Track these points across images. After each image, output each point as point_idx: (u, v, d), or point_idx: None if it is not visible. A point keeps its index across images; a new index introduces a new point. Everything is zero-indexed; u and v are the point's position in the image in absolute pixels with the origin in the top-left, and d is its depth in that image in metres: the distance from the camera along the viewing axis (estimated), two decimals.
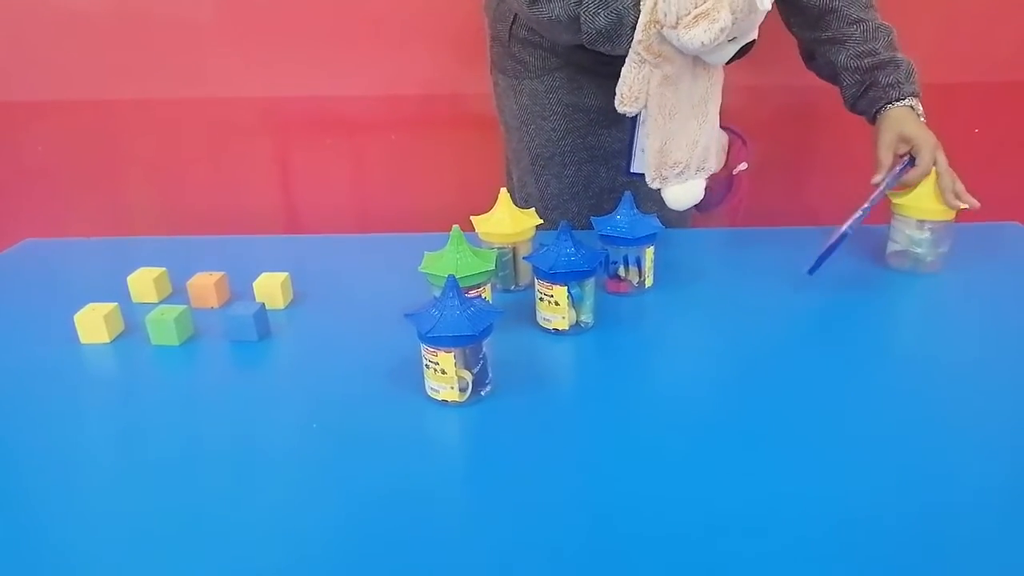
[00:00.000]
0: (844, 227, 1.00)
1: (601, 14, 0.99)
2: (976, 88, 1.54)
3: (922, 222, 1.04)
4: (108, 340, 0.93)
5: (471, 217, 1.01)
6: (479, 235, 1.01)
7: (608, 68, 1.06)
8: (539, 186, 1.24)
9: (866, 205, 1.02)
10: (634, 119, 1.04)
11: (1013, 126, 1.58)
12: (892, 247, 1.09)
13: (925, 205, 1.04)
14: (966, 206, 1.03)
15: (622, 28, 1.00)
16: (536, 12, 1.04)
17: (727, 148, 1.25)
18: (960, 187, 1.03)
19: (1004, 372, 0.81)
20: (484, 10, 1.26)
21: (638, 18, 0.97)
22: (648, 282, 1.02)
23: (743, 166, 1.22)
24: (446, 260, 0.88)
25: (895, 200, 1.07)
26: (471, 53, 1.43)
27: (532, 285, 0.93)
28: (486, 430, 0.75)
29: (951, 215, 1.04)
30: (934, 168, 1.04)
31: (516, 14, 1.16)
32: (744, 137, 1.25)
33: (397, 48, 1.54)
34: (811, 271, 1.01)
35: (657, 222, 1.00)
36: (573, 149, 1.20)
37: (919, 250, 1.06)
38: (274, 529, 0.62)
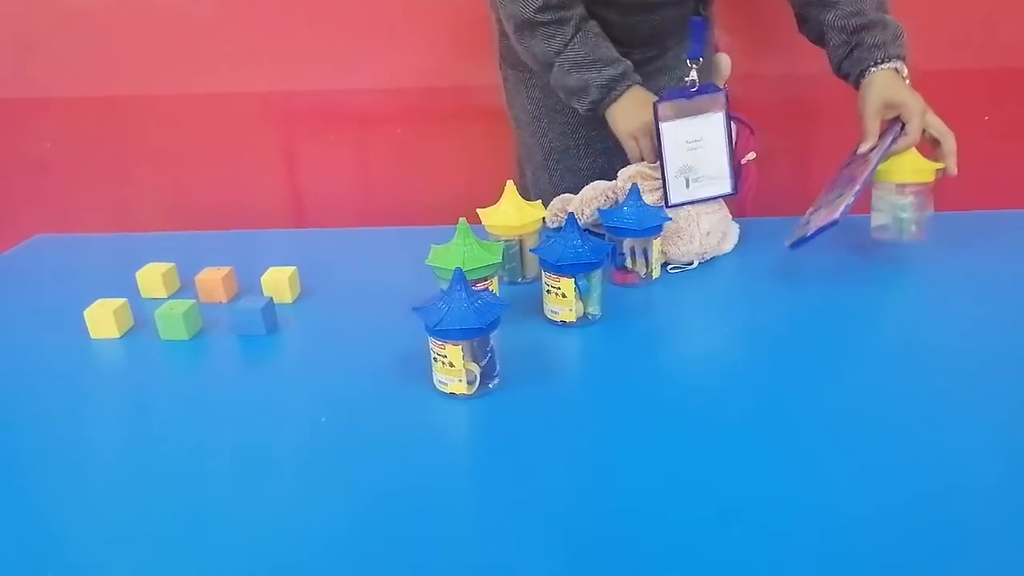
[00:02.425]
0: (837, 215, 0.95)
1: (573, 75, 1.07)
2: (985, 75, 1.53)
3: (903, 186, 1.03)
4: (118, 335, 0.93)
5: (477, 210, 1.01)
6: (486, 228, 1.01)
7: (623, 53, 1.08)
8: (553, 181, 1.24)
9: (857, 187, 0.96)
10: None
11: (1022, 113, 1.57)
12: (876, 219, 1.07)
13: (906, 167, 1.02)
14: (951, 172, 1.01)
15: (585, 95, 1.08)
16: (521, 42, 1.10)
17: (736, 138, 1.24)
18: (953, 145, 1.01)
19: (1013, 360, 0.81)
20: (491, 6, 1.25)
21: (601, 93, 1.07)
22: (655, 273, 1.02)
23: (752, 155, 1.22)
24: (453, 253, 0.88)
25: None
26: (476, 45, 1.43)
27: (539, 277, 0.93)
28: (494, 423, 0.75)
29: (931, 177, 1.02)
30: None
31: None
32: (752, 126, 1.24)
33: (402, 41, 1.54)
34: (793, 246, 0.98)
35: (664, 213, 0.99)
36: (588, 140, 1.20)
37: (904, 215, 1.04)
38: (284, 521, 0.63)
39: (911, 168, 1.03)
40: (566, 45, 1.07)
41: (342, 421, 0.76)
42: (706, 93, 1.04)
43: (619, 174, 1.09)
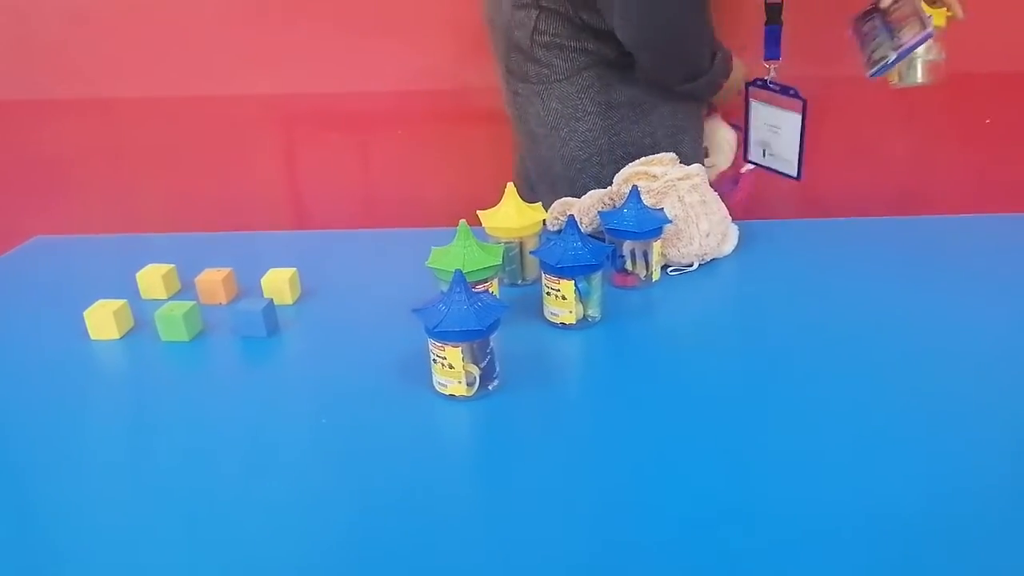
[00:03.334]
0: (929, 28, 1.03)
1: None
2: (988, 79, 1.53)
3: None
4: (118, 336, 0.93)
5: (478, 212, 1.01)
6: (486, 230, 1.01)
7: (631, 59, 1.09)
8: (575, 191, 1.23)
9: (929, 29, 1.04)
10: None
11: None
12: (880, 52, 1.10)
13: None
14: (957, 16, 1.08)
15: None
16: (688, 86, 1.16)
17: (736, 147, 1.26)
18: None
19: (1016, 362, 0.81)
20: (489, 23, 1.24)
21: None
22: (655, 276, 1.02)
23: (750, 166, 1.25)
24: (453, 255, 0.88)
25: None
26: (478, 48, 1.43)
27: (539, 280, 0.93)
28: (494, 424, 0.75)
29: (942, 20, 1.08)
30: None
31: (538, 17, 1.14)
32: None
33: (403, 43, 1.54)
34: (874, 74, 1.09)
35: (664, 215, 0.99)
36: (610, 147, 1.19)
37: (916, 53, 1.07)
38: (283, 522, 0.63)
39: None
40: None
41: (342, 423, 0.76)
42: (788, 94, 1.21)
43: (615, 178, 1.09)
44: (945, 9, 1.08)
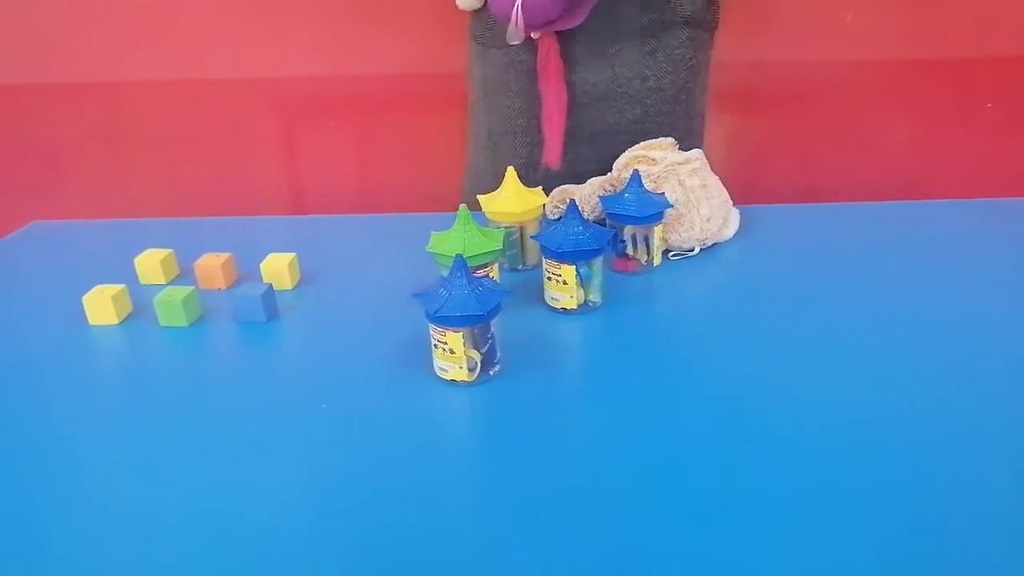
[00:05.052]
0: None
1: None
2: (990, 63, 1.52)
3: None
4: (116, 321, 0.93)
5: (478, 196, 1.00)
6: (486, 214, 1.00)
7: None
8: (492, 164, 1.20)
9: None
10: None
11: None
12: None
13: None
14: None
15: None
16: None
17: None
18: None
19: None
20: None
21: None
22: (656, 261, 1.01)
23: None
24: (453, 239, 0.88)
25: None
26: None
27: (539, 265, 0.92)
28: (496, 410, 0.75)
29: None
30: None
31: None
32: None
33: (401, 27, 1.52)
34: None
35: (666, 200, 0.99)
36: (528, 129, 1.17)
37: None
38: (283, 509, 0.62)
39: None
40: None
41: (342, 408, 0.75)
42: None
43: (615, 163, 1.09)
44: None
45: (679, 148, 1.10)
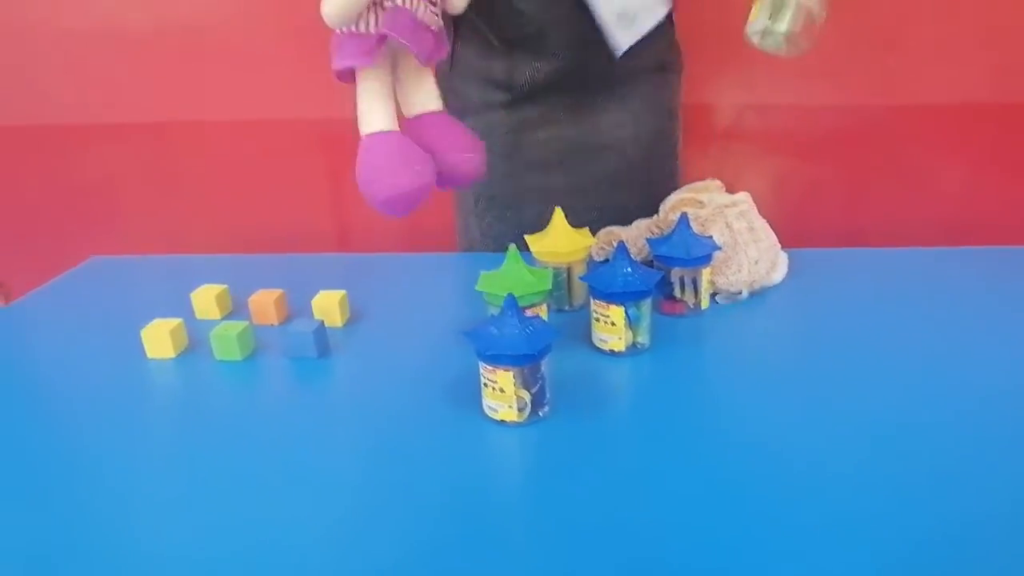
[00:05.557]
0: None
1: None
2: (997, 109, 1.49)
3: None
4: (173, 355, 0.95)
5: (525, 236, 1.01)
6: (534, 254, 1.01)
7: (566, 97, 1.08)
8: (482, 228, 1.21)
9: None
10: None
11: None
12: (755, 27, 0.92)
13: None
14: None
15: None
16: None
17: None
18: None
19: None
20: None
21: None
22: (704, 303, 1.01)
23: None
24: (503, 279, 0.89)
25: None
26: None
27: (586, 305, 0.92)
28: (546, 451, 0.75)
29: None
30: None
31: (455, 44, 1.10)
32: None
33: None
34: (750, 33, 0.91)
35: (714, 242, 0.99)
36: (516, 191, 1.17)
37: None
38: (331, 545, 0.63)
39: None
40: None
41: (392, 446, 0.76)
42: None
43: (662, 206, 1.09)
44: None
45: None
